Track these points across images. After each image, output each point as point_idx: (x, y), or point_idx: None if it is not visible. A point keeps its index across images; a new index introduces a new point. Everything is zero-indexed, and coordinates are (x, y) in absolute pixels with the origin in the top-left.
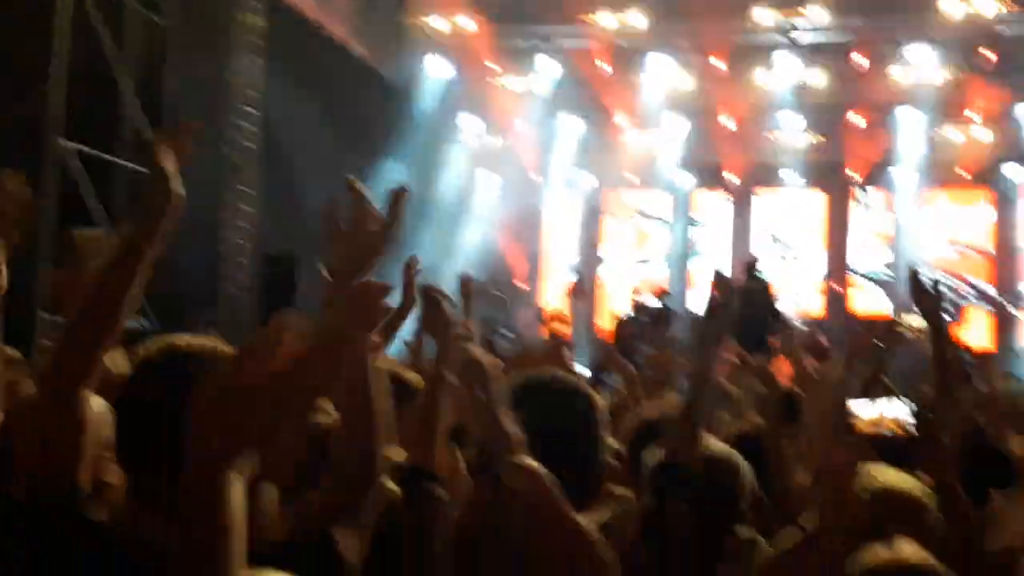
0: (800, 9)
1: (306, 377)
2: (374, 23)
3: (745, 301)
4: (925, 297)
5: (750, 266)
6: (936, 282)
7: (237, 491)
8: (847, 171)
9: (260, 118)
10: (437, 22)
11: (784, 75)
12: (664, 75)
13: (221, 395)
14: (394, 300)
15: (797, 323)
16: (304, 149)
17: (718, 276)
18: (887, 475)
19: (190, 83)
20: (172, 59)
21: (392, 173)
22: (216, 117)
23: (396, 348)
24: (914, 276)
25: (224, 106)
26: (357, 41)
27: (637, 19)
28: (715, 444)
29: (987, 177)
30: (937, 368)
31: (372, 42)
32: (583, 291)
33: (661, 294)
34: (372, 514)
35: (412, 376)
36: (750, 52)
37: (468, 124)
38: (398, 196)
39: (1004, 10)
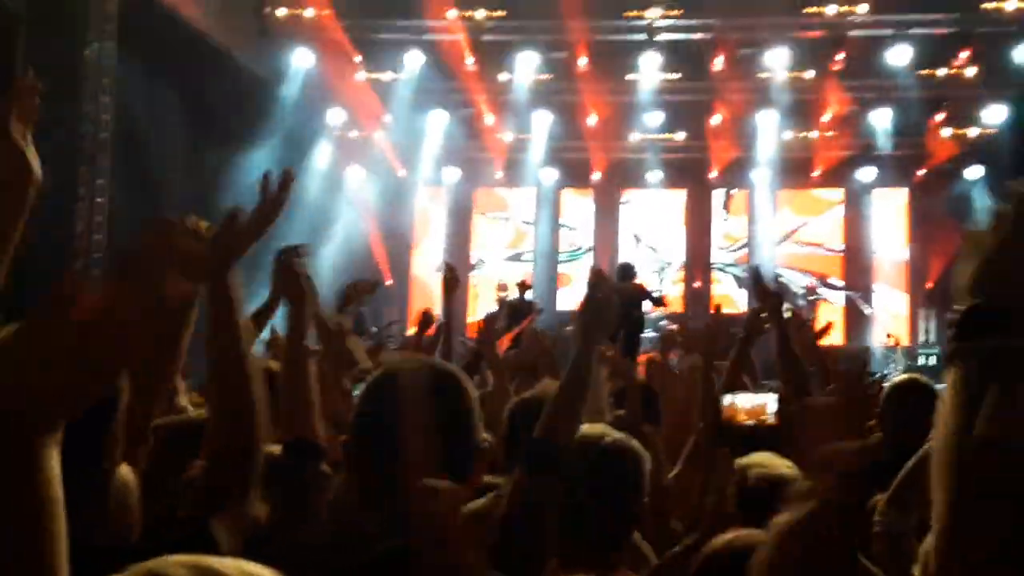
0: (663, 7)
1: (110, 324)
2: (235, 12)
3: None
4: (767, 296)
5: (625, 269)
6: (777, 279)
7: (53, 459)
8: (707, 169)
9: (114, 106)
10: (300, 13)
11: (647, 74)
12: (529, 71)
13: (23, 356)
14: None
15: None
16: (161, 139)
17: (596, 273)
18: (772, 462)
19: (42, 70)
20: (24, 45)
21: (254, 165)
22: (69, 104)
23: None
24: (755, 274)
25: (77, 93)
26: (217, 30)
27: (503, 14)
28: (614, 432)
29: (840, 179)
30: (783, 363)
31: (233, 31)
32: (454, 283)
33: (523, 287)
34: (251, 505)
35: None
36: (614, 50)
37: (334, 117)
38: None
39: (860, 14)
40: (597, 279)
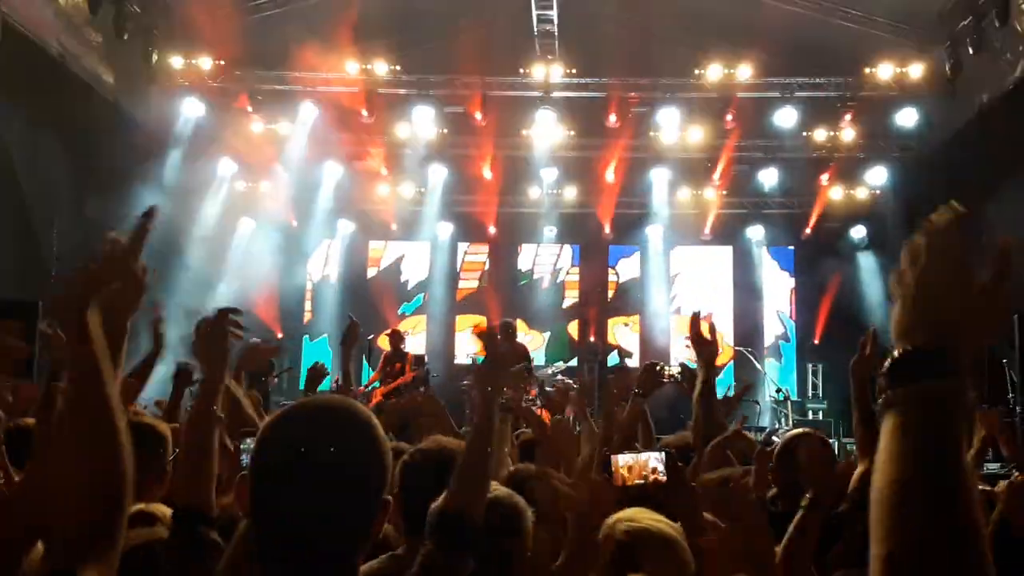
0: (556, 66)
1: None
2: (123, 60)
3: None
4: (703, 343)
5: (506, 328)
6: (712, 328)
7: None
8: (602, 225)
9: None
10: (190, 62)
11: (542, 129)
12: (425, 125)
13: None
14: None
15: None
16: (43, 187)
17: (486, 333)
18: (639, 516)
19: None
20: None
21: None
22: None
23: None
24: (694, 321)
25: None
26: (107, 79)
27: (398, 69)
28: (496, 486)
29: (730, 236)
30: (702, 410)
31: (121, 79)
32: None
33: (395, 335)
34: (116, 552)
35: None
36: (509, 106)
37: (225, 168)
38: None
39: (749, 76)
40: (487, 334)
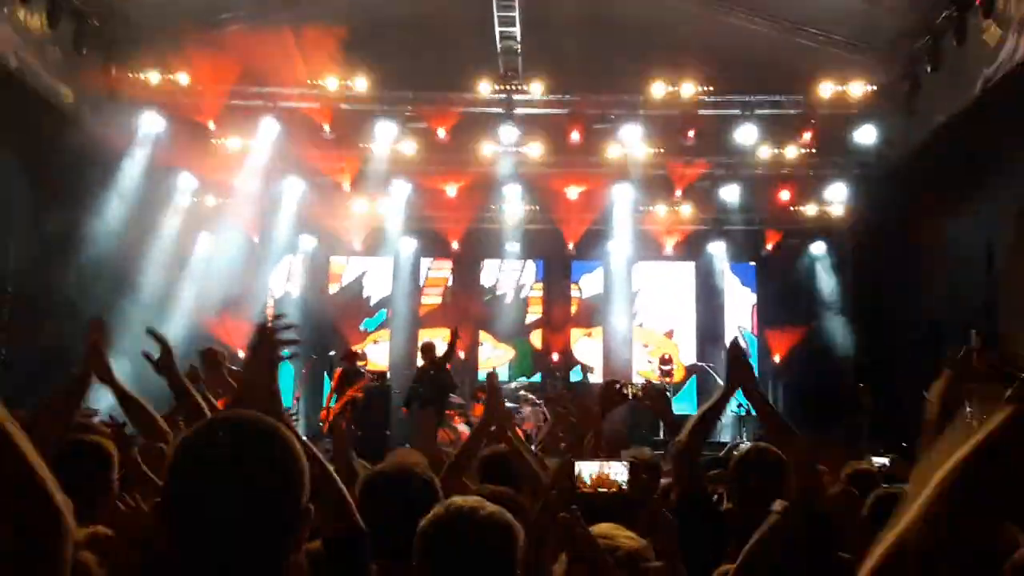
0: (519, 84)
1: None
2: (82, 74)
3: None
4: (740, 367)
5: (427, 348)
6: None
7: None
8: (564, 241)
9: None
10: (154, 77)
11: (504, 146)
12: (388, 141)
13: None
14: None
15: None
16: (0, 207)
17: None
18: (613, 532)
19: None
20: None
21: (99, 232)
22: None
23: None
24: (735, 346)
25: None
26: (65, 94)
27: (362, 85)
28: (491, 505)
29: (692, 252)
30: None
31: (82, 96)
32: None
33: (349, 356)
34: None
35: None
36: (472, 122)
37: (185, 183)
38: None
39: (708, 93)
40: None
